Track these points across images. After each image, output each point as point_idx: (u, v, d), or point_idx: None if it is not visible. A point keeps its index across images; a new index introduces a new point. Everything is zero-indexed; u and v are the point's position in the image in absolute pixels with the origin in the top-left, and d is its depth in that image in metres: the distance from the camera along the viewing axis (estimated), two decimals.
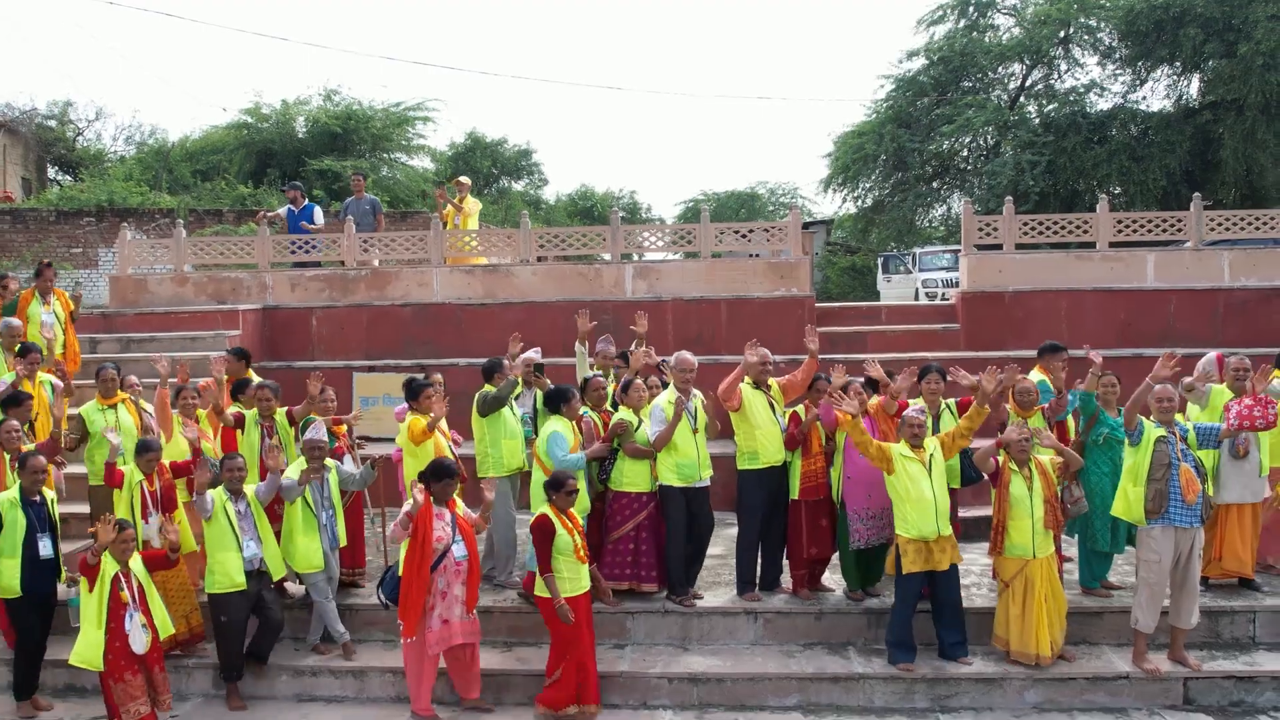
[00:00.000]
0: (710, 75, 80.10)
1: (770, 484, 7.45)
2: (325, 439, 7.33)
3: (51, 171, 32.06)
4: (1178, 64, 25.35)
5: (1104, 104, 26.37)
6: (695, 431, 7.41)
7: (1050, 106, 26.78)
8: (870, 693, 6.80)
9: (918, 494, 6.65)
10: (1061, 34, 26.14)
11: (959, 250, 21.72)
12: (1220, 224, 11.98)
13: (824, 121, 73.14)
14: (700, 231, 12.14)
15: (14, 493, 6.77)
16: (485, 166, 37.54)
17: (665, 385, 7.84)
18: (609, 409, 7.85)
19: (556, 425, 7.29)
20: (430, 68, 62.89)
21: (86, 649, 6.27)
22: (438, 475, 6.64)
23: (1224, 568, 7.52)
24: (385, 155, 28.87)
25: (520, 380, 8.13)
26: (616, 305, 11.62)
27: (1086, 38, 26.48)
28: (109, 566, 6.28)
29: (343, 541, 7.48)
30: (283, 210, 13.68)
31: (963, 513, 8.26)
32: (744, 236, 12.91)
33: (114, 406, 8.02)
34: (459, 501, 6.77)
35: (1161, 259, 11.87)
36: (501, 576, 7.97)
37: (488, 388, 7.88)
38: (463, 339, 11.78)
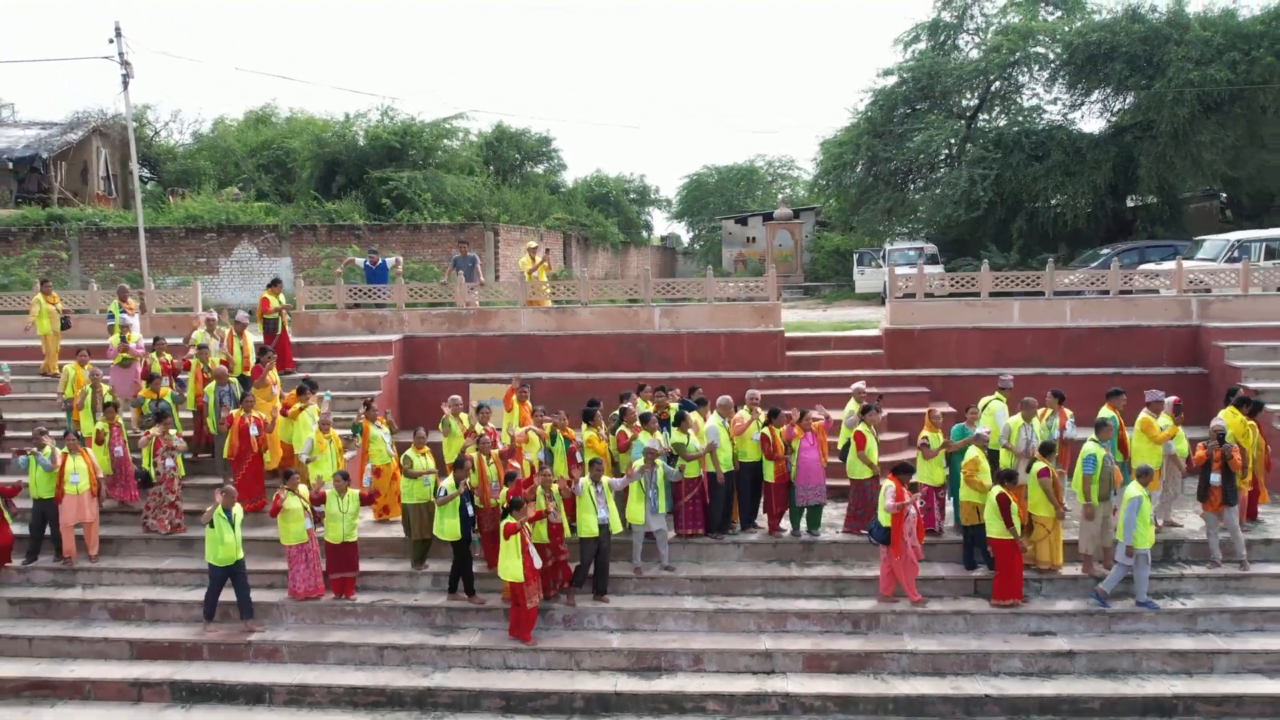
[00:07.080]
0: (713, 88, 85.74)
1: (754, 473, 12.87)
2: (659, 447, 12.23)
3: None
4: (1109, 89, 29.86)
5: (1045, 124, 30.89)
6: (731, 440, 12.67)
7: (1000, 124, 31.41)
8: (801, 588, 12.13)
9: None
10: (1013, 58, 30.44)
11: (922, 248, 26.81)
12: (1066, 280, 17.11)
13: (820, 110, 79.48)
14: (707, 285, 17.32)
15: (450, 479, 11.76)
16: (511, 154, 42.31)
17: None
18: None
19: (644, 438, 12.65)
20: (481, 110, 68.10)
21: (514, 569, 10.89)
22: (899, 471, 11.34)
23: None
24: (434, 165, 33.60)
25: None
26: (649, 337, 16.89)
27: (1035, 64, 30.88)
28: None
29: (662, 508, 12.08)
30: (360, 261, 18.85)
31: None
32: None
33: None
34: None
35: (1024, 305, 16.87)
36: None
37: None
38: (543, 360, 16.87)
